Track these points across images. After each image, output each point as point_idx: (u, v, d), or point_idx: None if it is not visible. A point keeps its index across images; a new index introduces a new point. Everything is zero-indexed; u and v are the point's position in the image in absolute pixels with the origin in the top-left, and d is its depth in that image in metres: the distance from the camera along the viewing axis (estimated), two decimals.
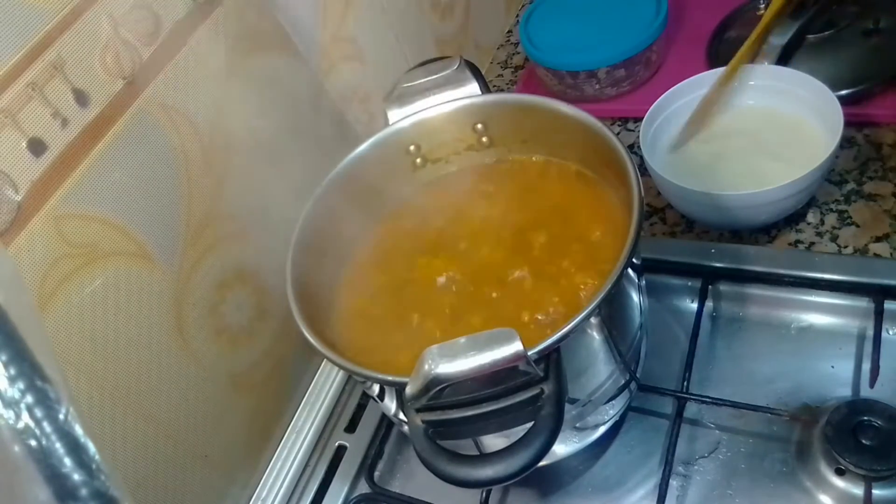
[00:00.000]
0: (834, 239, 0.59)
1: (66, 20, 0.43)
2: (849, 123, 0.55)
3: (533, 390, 0.36)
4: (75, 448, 0.22)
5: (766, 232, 0.62)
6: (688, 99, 0.65)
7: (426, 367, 0.34)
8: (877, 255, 0.57)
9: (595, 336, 0.42)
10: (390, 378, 0.39)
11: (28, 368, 0.22)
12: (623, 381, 0.48)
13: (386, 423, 0.61)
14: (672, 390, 0.53)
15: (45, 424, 0.22)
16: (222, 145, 0.54)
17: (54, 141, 0.42)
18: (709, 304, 0.58)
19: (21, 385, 0.22)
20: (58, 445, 0.22)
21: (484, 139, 0.53)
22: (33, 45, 0.41)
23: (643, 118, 0.63)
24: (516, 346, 0.34)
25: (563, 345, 0.37)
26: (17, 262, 0.41)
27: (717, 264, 0.59)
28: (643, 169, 0.61)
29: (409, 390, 0.36)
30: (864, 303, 0.54)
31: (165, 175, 0.50)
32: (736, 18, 0.77)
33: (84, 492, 0.22)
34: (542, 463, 0.36)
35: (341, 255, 0.53)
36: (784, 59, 0.65)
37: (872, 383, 0.49)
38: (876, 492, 0.45)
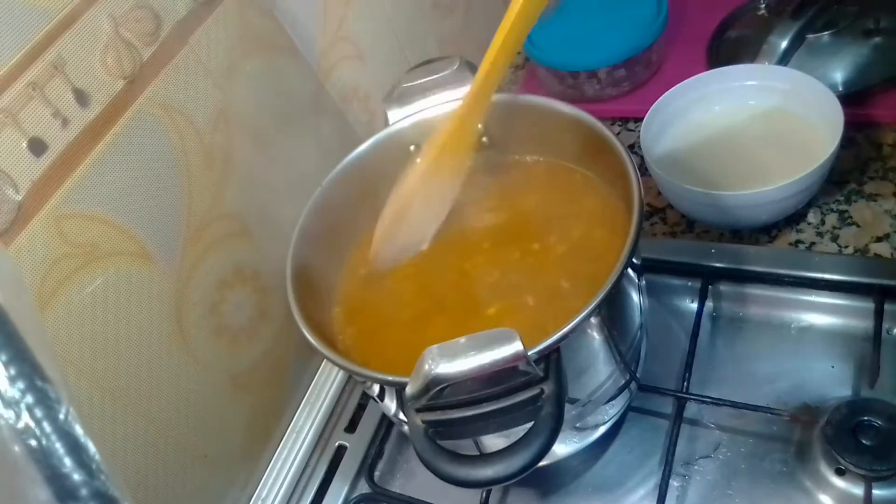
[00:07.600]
0: (834, 239, 0.59)
1: (67, 20, 0.43)
2: (849, 123, 0.55)
3: (533, 390, 0.36)
4: (75, 448, 0.22)
5: (766, 232, 0.62)
6: (688, 99, 0.65)
7: (426, 366, 0.34)
8: (877, 255, 0.57)
9: (595, 336, 0.42)
10: (390, 378, 0.39)
11: (28, 368, 0.22)
12: (623, 381, 0.48)
13: (386, 423, 0.61)
14: (672, 390, 0.53)
15: (45, 424, 0.22)
16: (222, 145, 0.54)
17: (55, 141, 0.42)
18: (709, 304, 0.58)
19: (21, 385, 0.22)
20: (58, 445, 0.22)
21: (484, 139, 0.53)
22: (34, 45, 0.41)
23: (643, 118, 0.63)
24: (516, 346, 0.34)
25: (563, 345, 0.37)
26: (17, 262, 0.41)
27: (718, 264, 0.58)
28: (643, 169, 0.61)
29: (409, 390, 0.36)
30: (864, 303, 0.54)
31: (166, 175, 0.50)
32: (736, 18, 0.77)
33: (84, 492, 0.22)
34: (542, 463, 0.36)
35: (341, 255, 0.53)
36: (784, 59, 0.65)
37: (872, 383, 0.49)
38: (876, 492, 0.45)
